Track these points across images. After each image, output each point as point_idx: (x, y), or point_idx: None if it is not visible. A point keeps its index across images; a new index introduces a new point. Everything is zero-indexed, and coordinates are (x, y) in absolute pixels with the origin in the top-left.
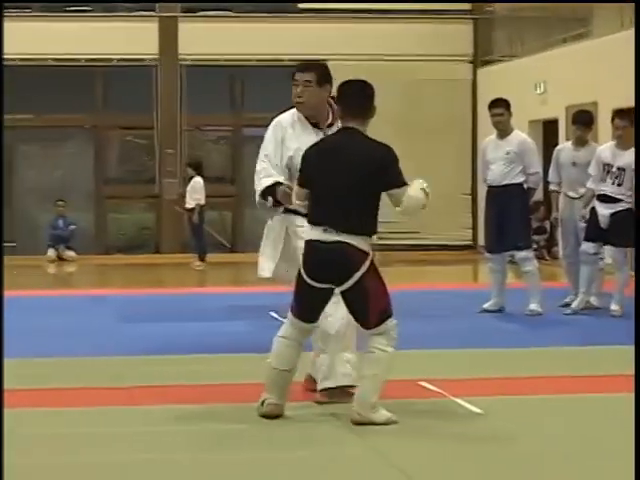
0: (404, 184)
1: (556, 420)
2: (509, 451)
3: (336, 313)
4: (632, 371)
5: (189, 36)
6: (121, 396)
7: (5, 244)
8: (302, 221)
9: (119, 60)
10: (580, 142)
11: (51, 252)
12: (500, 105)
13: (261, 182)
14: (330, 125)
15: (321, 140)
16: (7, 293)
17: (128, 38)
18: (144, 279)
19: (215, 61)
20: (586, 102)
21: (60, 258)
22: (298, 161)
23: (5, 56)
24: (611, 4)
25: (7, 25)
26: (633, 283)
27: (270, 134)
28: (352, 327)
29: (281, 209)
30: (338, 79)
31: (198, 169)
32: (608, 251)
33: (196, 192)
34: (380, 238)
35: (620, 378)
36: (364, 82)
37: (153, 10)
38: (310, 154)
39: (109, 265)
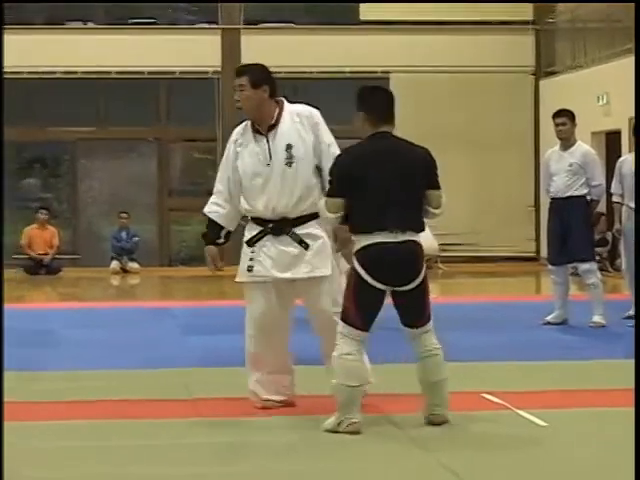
0: (440, 186)
1: (620, 433)
2: (573, 464)
3: None
4: None
5: (251, 48)
6: (186, 408)
7: (69, 256)
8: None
9: (182, 72)
10: None
11: (115, 264)
12: (564, 115)
13: (208, 206)
14: (272, 127)
15: (359, 147)
16: (72, 304)
17: (191, 50)
18: (207, 291)
19: (277, 73)
20: None
21: (124, 270)
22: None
23: (69, 69)
24: None
25: (71, 38)
26: None
27: (226, 150)
28: None
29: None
30: (399, 90)
31: None
32: None
33: None
34: (444, 250)
35: None
36: (387, 89)
37: (216, 22)
38: (353, 163)
39: (172, 277)
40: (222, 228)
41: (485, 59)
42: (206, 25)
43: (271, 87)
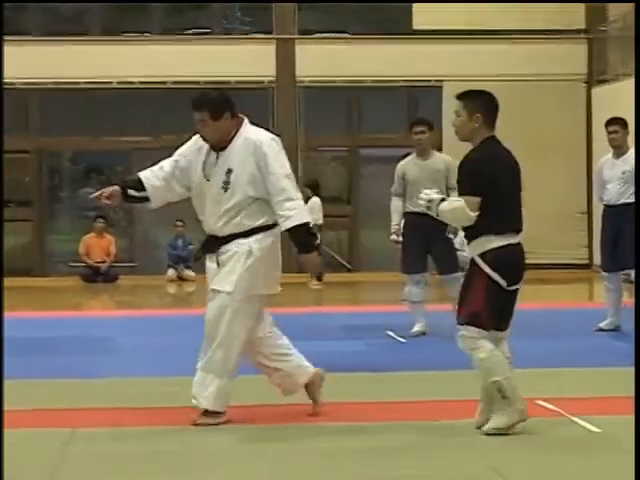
0: None
1: None
2: (626, 470)
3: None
4: None
5: (305, 57)
6: (241, 414)
7: (126, 264)
8: None
9: (237, 82)
10: None
11: (171, 272)
12: (616, 123)
13: (144, 171)
14: (223, 148)
15: (486, 149)
16: (128, 312)
17: (246, 60)
18: None
19: (331, 82)
20: None
21: (180, 278)
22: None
23: (125, 79)
24: None
25: (128, 48)
26: None
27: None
28: None
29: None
30: (452, 99)
31: (315, 189)
32: None
33: (314, 212)
34: None
35: None
36: None
37: (270, 32)
38: (486, 163)
39: None
40: (143, 190)
41: (538, 67)
42: (261, 35)
43: (231, 111)
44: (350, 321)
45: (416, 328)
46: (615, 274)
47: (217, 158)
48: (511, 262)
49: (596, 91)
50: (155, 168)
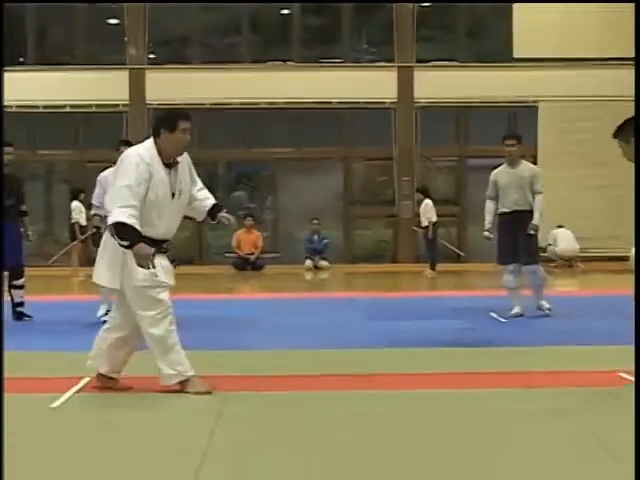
0: None
1: None
2: None
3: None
4: None
5: (422, 82)
6: (363, 382)
7: (271, 255)
8: None
9: (364, 103)
10: None
11: (308, 262)
12: None
13: (121, 214)
14: (176, 163)
15: None
16: (273, 295)
17: (371, 84)
18: (384, 284)
19: (443, 103)
20: None
21: (315, 267)
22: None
23: (270, 100)
24: None
25: (272, 74)
26: None
27: (133, 166)
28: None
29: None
30: (546, 116)
31: (426, 192)
32: None
33: (427, 212)
34: (584, 251)
35: None
36: None
37: (392, 61)
38: None
39: (355, 273)
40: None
41: (621, 90)
42: (384, 63)
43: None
44: (458, 304)
45: (515, 310)
46: None
47: (170, 174)
48: None
49: None
50: (130, 210)
